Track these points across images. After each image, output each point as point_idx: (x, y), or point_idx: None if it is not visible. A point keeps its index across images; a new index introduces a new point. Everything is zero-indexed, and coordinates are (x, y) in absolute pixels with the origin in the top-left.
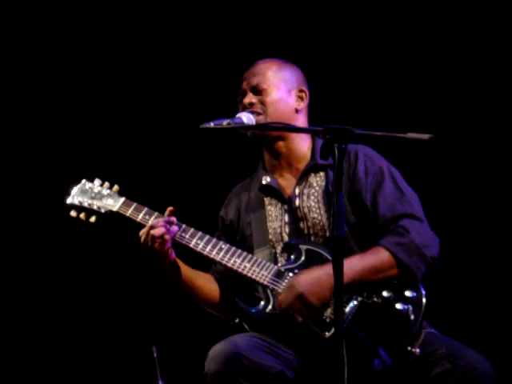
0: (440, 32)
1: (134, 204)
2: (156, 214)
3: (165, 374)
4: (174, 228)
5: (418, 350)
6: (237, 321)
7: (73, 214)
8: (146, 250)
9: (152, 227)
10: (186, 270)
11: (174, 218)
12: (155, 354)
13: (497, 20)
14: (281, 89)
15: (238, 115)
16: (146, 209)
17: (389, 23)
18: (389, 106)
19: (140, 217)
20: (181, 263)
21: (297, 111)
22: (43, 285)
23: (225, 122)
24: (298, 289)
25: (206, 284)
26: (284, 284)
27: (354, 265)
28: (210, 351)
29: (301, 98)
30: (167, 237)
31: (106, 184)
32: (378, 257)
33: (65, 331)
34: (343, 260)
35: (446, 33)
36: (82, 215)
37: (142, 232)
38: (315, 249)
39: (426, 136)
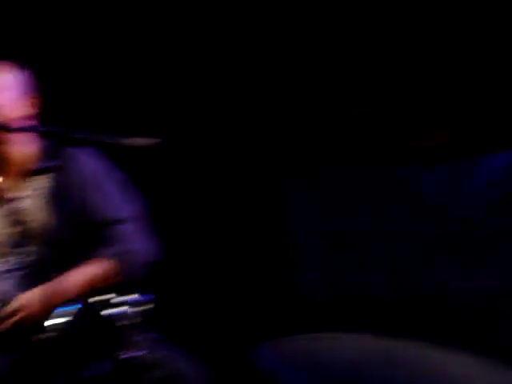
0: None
1: None
2: None
3: None
4: None
5: (132, 356)
6: None
7: None
8: None
9: None
10: None
11: None
12: None
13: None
14: (12, 92)
15: None
16: None
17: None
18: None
19: None
20: None
21: (27, 116)
22: None
23: None
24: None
25: None
26: None
27: (73, 279)
28: None
29: (31, 103)
30: None
31: None
32: (97, 268)
33: None
34: (63, 274)
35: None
36: None
37: None
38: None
39: (143, 141)
